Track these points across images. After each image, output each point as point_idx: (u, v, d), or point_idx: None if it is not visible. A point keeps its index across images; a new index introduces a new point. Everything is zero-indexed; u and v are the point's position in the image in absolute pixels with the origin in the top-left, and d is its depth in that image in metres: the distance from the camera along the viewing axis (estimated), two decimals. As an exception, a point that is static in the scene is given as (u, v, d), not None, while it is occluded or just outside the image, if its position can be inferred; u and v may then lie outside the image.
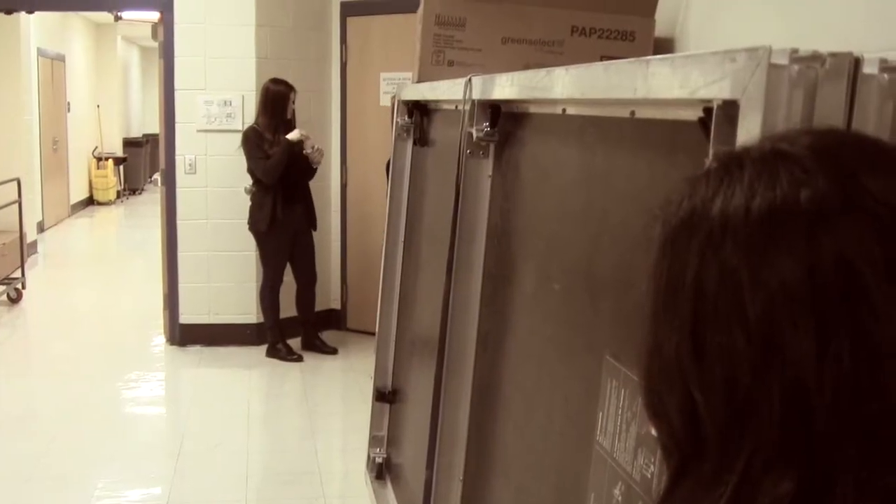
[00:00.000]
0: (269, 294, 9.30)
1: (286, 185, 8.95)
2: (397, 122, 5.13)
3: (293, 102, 9.06)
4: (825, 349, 0.94)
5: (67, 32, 20.28)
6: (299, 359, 9.37)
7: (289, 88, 9.05)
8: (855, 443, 0.94)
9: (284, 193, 8.96)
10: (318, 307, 10.09)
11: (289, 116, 9.02)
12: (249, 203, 9.15)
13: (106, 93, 23.97)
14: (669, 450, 1.13)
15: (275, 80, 9.13)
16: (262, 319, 9.64)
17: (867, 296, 0.93)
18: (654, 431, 1.16)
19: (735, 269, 0.98)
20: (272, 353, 9.40)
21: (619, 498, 2.19)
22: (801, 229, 0.95)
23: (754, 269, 0.97)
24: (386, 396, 5.38)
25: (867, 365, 0.93)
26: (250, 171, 9.01)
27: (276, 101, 8.94)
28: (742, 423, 1.00)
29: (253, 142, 8.90)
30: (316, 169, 9.24)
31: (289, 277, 9.37)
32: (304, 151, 9.05)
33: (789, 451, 0.97)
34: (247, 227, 9.16)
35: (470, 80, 3.57)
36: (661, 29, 4.60)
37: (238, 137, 9.37)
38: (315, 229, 9.42)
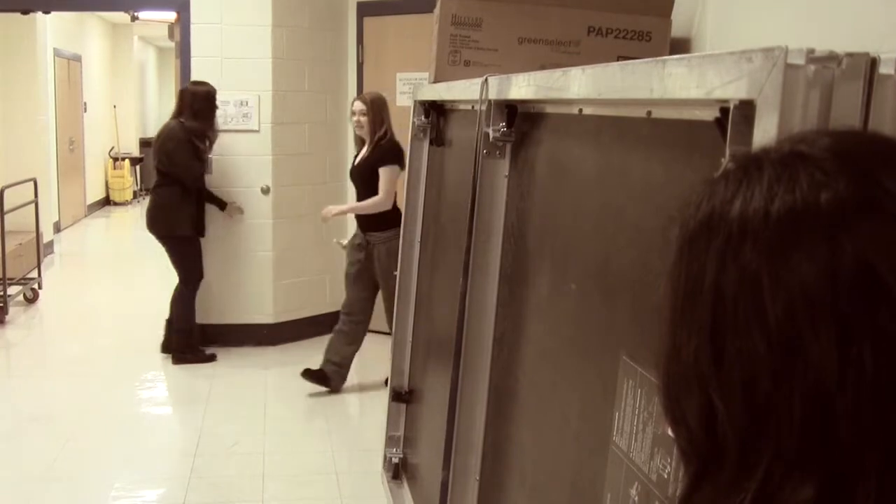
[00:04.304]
0: (193, 297, 9.28)
1: (200, 187, 9.05)
2: (414, 122, 5.14)
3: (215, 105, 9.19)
4: (847, 354, 0.93)
5: (84, 33, 20.30)
6: (213, 357, 9.35)
7: (211, 89, 9.14)
8: (877, 449, 0.93)
9: (199, 196, 9.01)
10: (335, 307, 10.10)
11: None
12: (153, 206, 9.13)
13: (122, 93, 23.99)
14: (688, 455, 1.12)
15: (196, 82, 9.20)
16: (279, 319, 9.66)
17: (889, 299, 0.92)
18: (672, 435, 1.15)
19: (755, 273, 0.97)
20: (184, 359, 9.28)
21: (636, 498, 2.19)
22: (821, 232, 0.94)
23: (774, 272, 0.96)
24: (402, 397, 5.38)
25: (889, 370, 0.92)
26: (173, 170, 8.92)
27: (202, 102, 9.00)
28: (762, 429, 0.99)
29: (184, 140, 8.86)
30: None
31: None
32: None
33: (810, 458, 0.96)
34: (154, 230, 9.12)
35: (486, 80, 3.57)
36: (677, 29, 4.60)
37: (255, 138, 9.43)
38: (202, 235, 9.35)
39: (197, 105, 8.94)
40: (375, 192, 7.93)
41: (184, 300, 9.24)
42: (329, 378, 8.29)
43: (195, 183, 8.90)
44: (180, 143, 8.84)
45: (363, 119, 8.02)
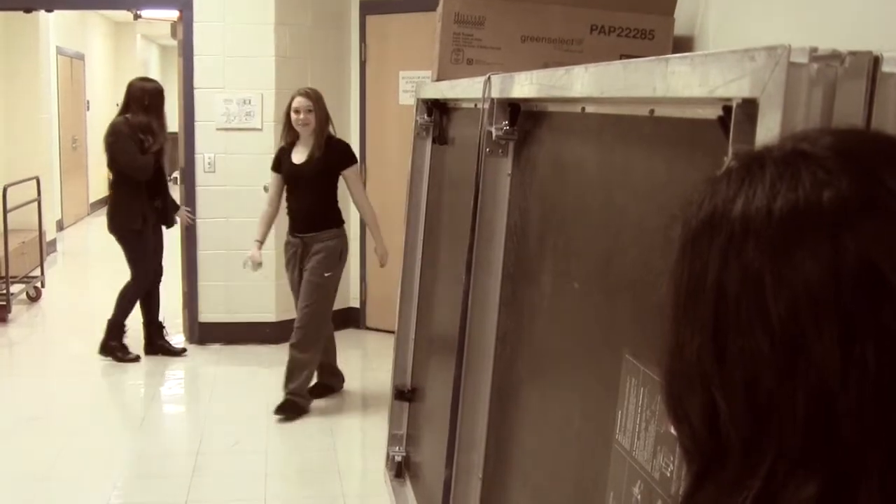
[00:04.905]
0: (137, 294, 9.24)
1: (152, 181, 8.99)
2: (416, 121, 5.14)
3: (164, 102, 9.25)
4: (850, 352, 0.93)
5: (87, 31, 20.30)
6: (137, 359, 9.28)
7: (161, 87, 9.26)
8: (880, 448, 0.94)
9: (150, 191, 8.97)
10: (338, 305, 10.11)
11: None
12: (109, 205, 9.23)
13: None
14: (691, 453, 1.12)
15: (145, 79, 9.41)
16: (281, 318, 9.65)
17: (892, 298, 0.92)
18: (675, 433, 1.15)
19: (757, 271, 0.98)
20: (109, 351, 9.26)
21: (639, 497, 2.19)
22: (824, 231, 0.95)
23: (777, 271, 0.96)
24: (405, 395, 5.38)
25: (893, 368, 0.92)
26: (117, 167, 8.98)
27: (155, 99, 9.05)
28: (765, 428, 0.99)
29: (127, 136, 8.86)
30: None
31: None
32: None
33: (813, 456, 0.96)
34: (109, 229, 9.16)
35: (489, 78, 3.57)
36: (680, 27, 4.60)
37: (258, 136, 9.43)
38: (168, 226, 9.43)
39: (148, 100, 8.98)
40: (329, 196, 7.65)
41: (129, 296, 9.23)
42: (332, 386, 8.28)
43: (144, 176, 8.86)
44: (122, 137, 8.88)
45: (309, 116, 7.54)
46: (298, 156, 7.64)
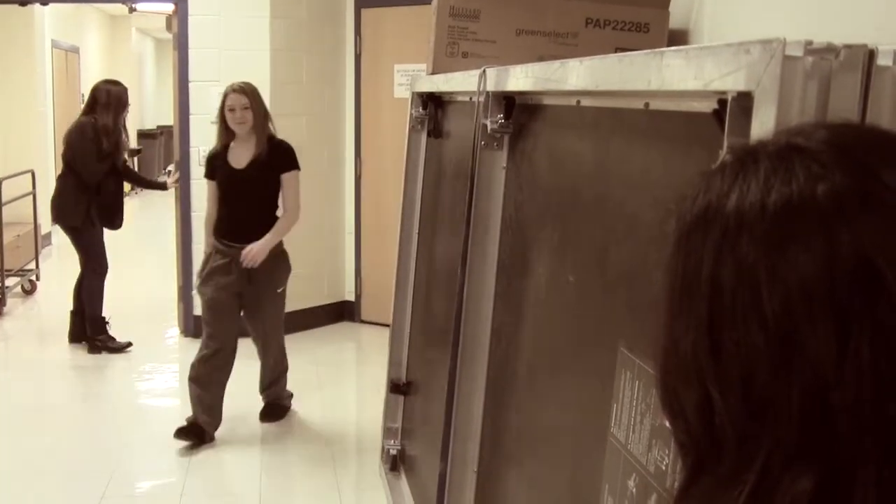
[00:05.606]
0: (98, 282, 9.21)
1: (106, 181, 9.01)
2: (412, 114, 5.14)
3: (128, 104, 9.25)
4: (845, 346, 0.93)
5: (82, 24, 20.27)
6: (129, 345, 9.32)
7: (126, 89, 9.22)
8: (876, 440, 0.94)
9: (99, 190, 8.98)
10: (333, 299, 10.10)
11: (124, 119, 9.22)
12: (54, 195, 9.20)
13: (120, 84, 23.97)
14: (686, 447, 1.12)
15: (112, 81, 9.31)
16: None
17: (887, 292, 0.92)
18: (670, 427, 1.15)
19: (752, 266, 0.97)
20: (98, 347, 9.23)
21: (634, 490, 2.19)
22: (818, 225, 0.94)
23: (771, 265, 0.96)
24: (400, 388, 5.39)
25: (888, 362, 0.92)
26: (70, 162, 9.01)
27: (120, 103, 9.05)
28: (760, 422, 0.99)
29: (91, 140, 8.85)
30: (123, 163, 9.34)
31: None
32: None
33: (808, 449, 0.96)
34: (53, 219, 9.21)
35: (484, 71, 3.57)
36: (675, 20, 4.60)
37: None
38: (112, 228, 9.39)
39: (113, 103, 8.99)
40: (272, 201, 7.01)
41: (90, 289, 9.25)
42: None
43: (92, 180, 8.90)
44: (86, 140, 8.90)
45: (246, 113, 6.77)
46: (237, 159, 6.90)
